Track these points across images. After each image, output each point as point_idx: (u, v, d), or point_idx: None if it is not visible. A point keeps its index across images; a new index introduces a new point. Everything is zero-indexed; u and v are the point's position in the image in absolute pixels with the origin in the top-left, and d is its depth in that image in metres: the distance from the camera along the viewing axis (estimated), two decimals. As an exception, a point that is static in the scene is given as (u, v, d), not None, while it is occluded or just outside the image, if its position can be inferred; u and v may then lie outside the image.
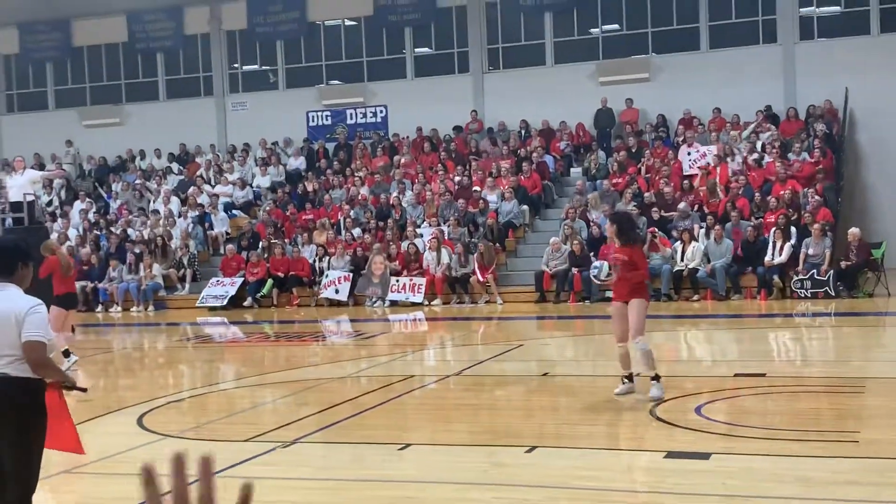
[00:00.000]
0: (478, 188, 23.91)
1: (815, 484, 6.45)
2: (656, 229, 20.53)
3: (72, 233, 26.14)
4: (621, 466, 7.14)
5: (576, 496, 6.32)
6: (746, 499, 6.19)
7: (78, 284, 23.63)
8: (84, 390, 5.54)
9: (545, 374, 11.64)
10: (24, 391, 5.18)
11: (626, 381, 9.69)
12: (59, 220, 26.98)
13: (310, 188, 26.07)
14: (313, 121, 29.52)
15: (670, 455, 7.34)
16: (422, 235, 22.56)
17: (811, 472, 6.74)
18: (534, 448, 7.72)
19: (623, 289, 9.61)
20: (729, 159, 23.16)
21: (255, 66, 30.87)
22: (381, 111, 28.99)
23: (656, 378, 9.43)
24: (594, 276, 10.27)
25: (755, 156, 22.97)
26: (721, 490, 6.39)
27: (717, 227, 20.05)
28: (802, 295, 18.87)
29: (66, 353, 13.43)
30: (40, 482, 7.54)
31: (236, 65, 30.84)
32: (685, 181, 22.54)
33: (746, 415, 9.12)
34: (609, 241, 10.11)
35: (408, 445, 8.05)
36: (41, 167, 30.31)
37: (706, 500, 6.20)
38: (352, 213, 24.15)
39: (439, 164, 25.61)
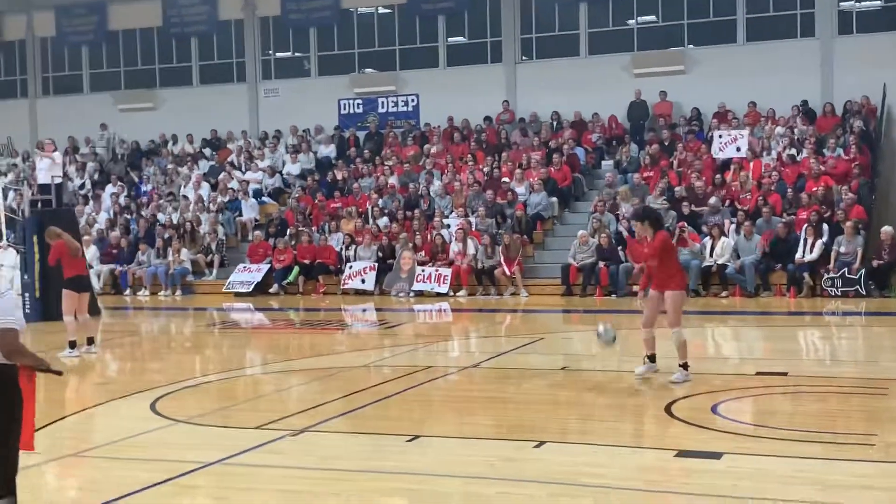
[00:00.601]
0: (507, 179, 23.76)
1: (828, 487, 6.28)
2: (685, 224, 20.40)
3: (102, 216, 26.32)
4: (630, 464, 7.00)
5: (579, 493, 6.20)
6: (756, 500, 6.05)
7: (106, 268, 23.94)
8: (59, 373, 5.45)
9: (564, 369, 11.50)
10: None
11: (647, 360, 10.30)
12: (91, 203, 27.15)
13: (339, 176, 26.04)
14: (345, 108, 29.49)
15: (681, 454, 7.20)
16: (449, 226, 22.46)
17: (825, 475, 6.57)
18: (543, 443, 7.60)
19: (658, 278, 10.25)
20: (764, 153, 22.84)
21: (288, 53, 30.89)
22: (413, 100, 28.89)
23: (684, 366, 10.06)
24: (598, 335, 10.57)
25: (791, 151, 22.63)
26: (731, 492, 6.24)
27: (747, 222, 19.76)
28: (833, 293, 18.58)
29: (90, 341, 13.48)
30: (45, 464, 7.57)
31: (269, 51, 30.87)
32: (717, 175, 22.25)
33: (763, 414, 8.95)
34: (639, 237, 10.31)
35: (416, 437, 7.96)
36: (75, 150, 30.60)
37: (714, 500, 6.06)
38: (380, 202, 24.09)
39: (469, 155, 25.49)
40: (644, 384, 10.00)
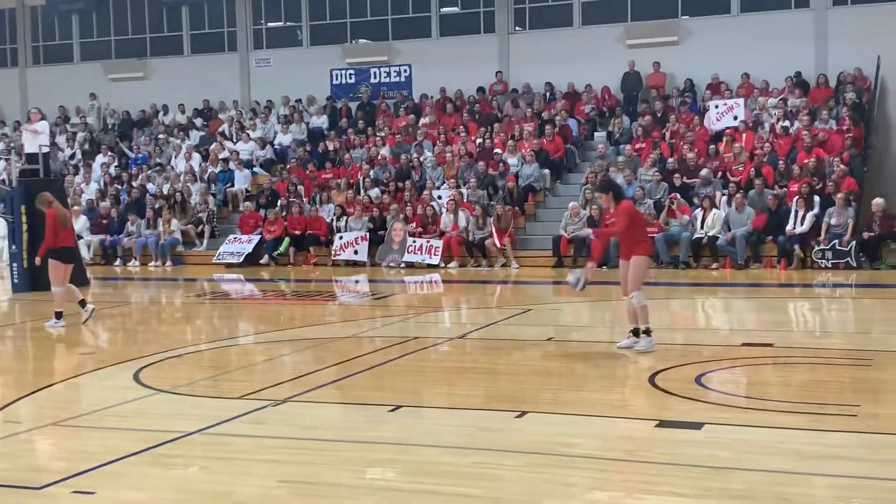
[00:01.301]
0: (499, 150, 23.67)
1: (805, 457, 6.27)
2: (677, 195, 20.35)
3: (92, 186, 26.22)
4: (609, 434, 6.99)
5: (556, 462, 6.17)
6: (733, 471, 6.02)
7: (96, 238, 23.87)
8: None
9: (550, 339, 11.49)
10: None
11: (631, 335, 10.28)
12: (81, 173, 27.03)
13: (331, 147, 25.93)
14: (337, 79, 29.34)
15: (662, 424, 7.19)
16: (440, 197, 22.39)
17: (803, 445, 6.56)
18: (524, 413, 7.59)
19: (623, 247, 10.33)
20: (758, 126, 22.74)
21: (280, 23, 30.67)
22: (406, 70, 28.73)
23: (647, 332, 10.12)
24: (571, 286, 10.46)
25: (784, 123, 22.54)
26: (709, 461, 6.23)
27: (738, 194, 19.71)
28: (823, 265, 18.57)
29: (83, 303, 13.44)
30: (26, 433, 7.55)
31: (261, 21, 30.65)
32: (711, 146, 22.18)
33: (747, 385, 8.95)
34: (605, 211, 10.36)
35: (399, 407, 7.94)
36: (65, 120, 30.44)
37: (693, 470, 6.04)
38: (371, 173, 24.00)
39: (461, 126, 25.38)
40: (631, 355, 9.97)
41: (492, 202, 21.85)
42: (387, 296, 17.20)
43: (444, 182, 23.18)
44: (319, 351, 11.03)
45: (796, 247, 18.86)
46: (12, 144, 28.00)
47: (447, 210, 21.65)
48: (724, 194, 20.34)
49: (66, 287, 13.32)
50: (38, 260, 13.70)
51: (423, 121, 26.28)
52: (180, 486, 5.97)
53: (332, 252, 21.99)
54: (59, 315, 13.07)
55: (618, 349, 10.22)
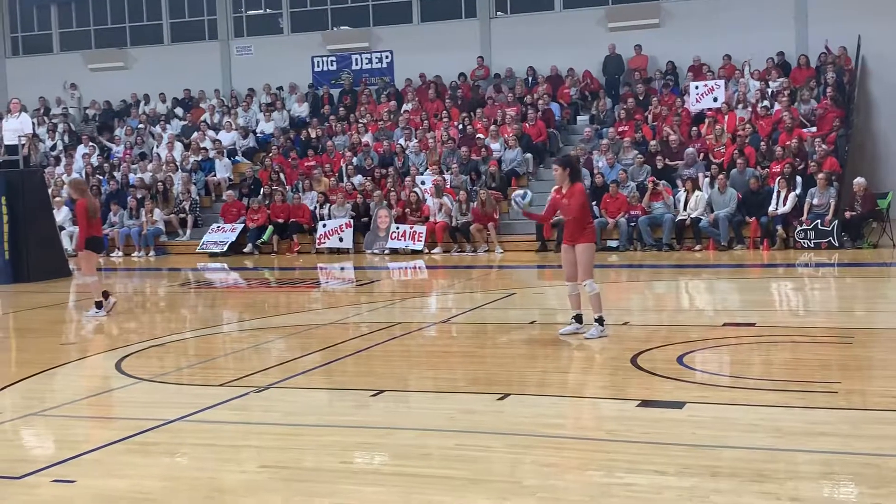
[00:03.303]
0: (481, 135, 23.64)
1: (786, 434, 6.29)
2: (655, 178, 20.38)
3: (73, 177, 26.04)
4: (591, 414, 7.01)
5: (537, 443, 6.18)
6: (715, 448, 6.04)
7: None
8: None
9: (532, 323, 11.49)
10: None
11: (573, 320, 10.15)
12: (62, 163, 26.88)
13: (313, 134, 25.85)
14: (318, 66, 29.25)
15: (644, 404, 7.20)
16: (424, 183, 22.37)
17: (784, 422, 6.58)
18: (506, 396, 7.59)
19: (568, 231, 10.11)
20: (740, 106, 22.77)
21: (260, 10, 30.53)
22: (387, 56, 28.66)
23: (599, 321, 9.93)
24: (516, 203, 10.39)
25: (765, 103, 22.58)
26: (690, 440, 6.25)
27: (721, 176, 19.75)
28: (806, 245, 18.66)
29: (106, 295, 13.34)
30: (7, 423, 7.51)
31: (241, 8, 30.50)
32: (693, 128, 22.21)
33: (728, 364, 8.98)
34: (558, 185, 10.09)
35: (381, 392, 7.94)
36: (46, 111, 30.24)
37: (672, 448, 6.06)
38: (354, 160, 23.94)
39: (444, 111, 25.33)
40: (613, 337, 9.98)
41: (475, 187, 21.83)
42: (371, 282, 17.19)
43: (426, 168, 23.14)
44: (304, 338, 11.01)
45: (779, 227, 18.92)
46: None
47: (431, 196, 21.63)
48: (706, 176, 20.38)
49: (83, 279, 13.28)
50: (81, 253, 13.50)
51: (405, 107, 26.22)
52: (162, 474, 5.95)
53: (317, 240, 21.95)
54: (98, 304, 12.97)
55: (560, 336, 10.05)
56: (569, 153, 14.96)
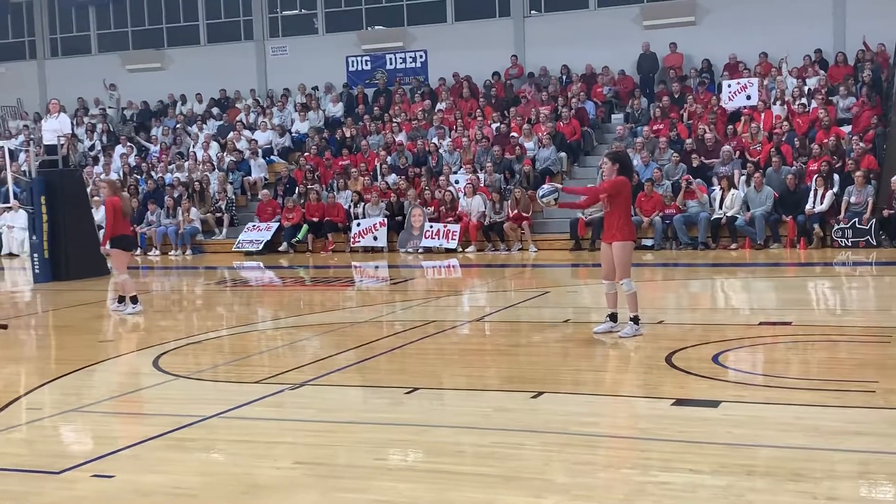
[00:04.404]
0: (515, 134, 23.62)
1: (822, 434, 6.24)
2: (690, 177, 20.26)
3: (112, 177, 26.32)
4: (625, 413, 6.99)
5: (570, 441, 6.18)
6: (750, 447, 6.01)
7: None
8: (4, 327, 5.34)
9: (566, 321, 11.47)
10: None
11: (608, 319, 10.11)
12: (101, 163, 27.18)
13: (347, 134, 25.95)
14: (353, 66, 29.35)
15: (679, 402, 7.17)
16: (457, 182, 22.40)
17: (820, 421, 6.53)
18: (541, 394, 7.59)
19: (607, 228, 10.05)
20: (777, 104, 22.58)
21: (295, 11, 30.69)
22: (421, 56, 28.71)
23: (634, 320, 9.89)
24: (540, 198, 10.33)
25: (802, 101, 22.38)
26: (725, 438, 6.22)
27: (756, 174, 19.60)
28: (843, 244, 18.48)
29: (134, 300, 13.49)
30: (47, 419, 7.62)
31: (276, 9, 30.68)
32: (728, 126, 22.07)
33: (764, 364, 8.92)
34: (604, 178, 10.01)
35: (415, 389, 7.96)
36: (85, 111, 30.59)
37: (708, 447, 6.03)
38: (388, 159, 24.01)
39: (478, 110, 25.34)
40: (648, 336, 9.94)
41: (509, 186, 21.83)
42: (405, 280, 17.23)
43: (460, 167, 23.16)
44: (338, 335, 11.07)
45: (816, 226, 18.75)
46: (32, 136, 28.17)
47: (465, 194, 21.65)
48: (742, 174, 20.24)
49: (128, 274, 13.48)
50: (105, 249, 13.75)
51: (439, 106, 26.27)
52: (199, 469, 6.01)
53: (352, 239, 22.04)
54: (134, 299, 13.12)
55: (594, 334, 10.02)
56: (621, 149, 14.75)
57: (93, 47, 32.77)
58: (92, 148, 28.83)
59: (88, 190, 21.46)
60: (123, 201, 13.59)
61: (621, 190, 9.86)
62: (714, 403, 7.06)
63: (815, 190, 19.02)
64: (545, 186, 10.42)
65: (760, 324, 10.75)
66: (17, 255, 23.94)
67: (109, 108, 31.13)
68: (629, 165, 10.40)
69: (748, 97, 22.51)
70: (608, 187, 9.91)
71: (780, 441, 6.09)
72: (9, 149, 20.94)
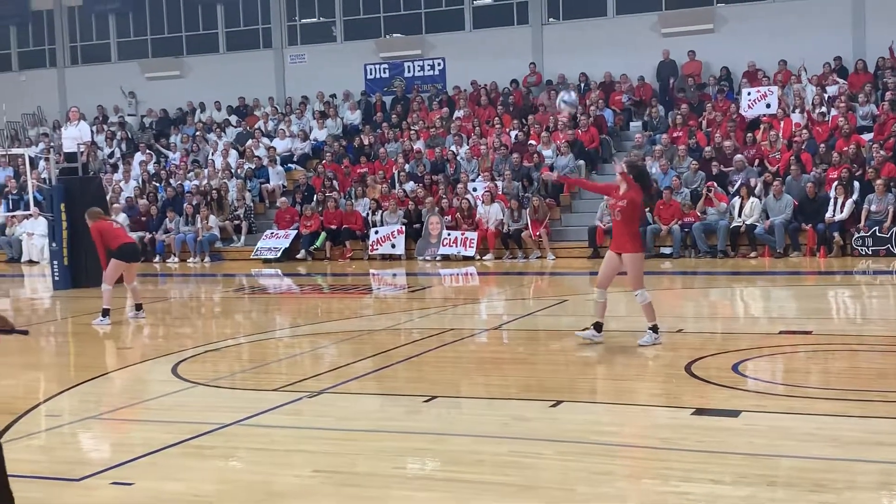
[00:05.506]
0: (533, 142, 23.60)
1: (844, 444, 6.19)
2: (714, 184, 20.19)
3: (131, 184, 26.50)
4: (644, 422, 6.95)
5: (589, 451, 6.15)
6: (771, 458, 5.97)
7: (136, 235, 24.08)
8: (25, 332, 5.34)
9: (585, 329, 11.41)
10: None
11: (591, 327, 10.07)
12: (120, 170, 27.32)
13: (365, 141, 26.00)
14: (371, 73, 29.41)
15: (699, 412, 7.13)
16: (475, 190, 22.40)
17: (842, 431, 6.48)
18: (559, 403, 7.57)
19: (615, 237, 10.08)
20: (797, 112, 22.48)
21: (314, 19, 30.78)
22: (439, 64, 28.74)
23: (653, 329, 9.87)
24: (559, 102, 10.32)
25: (821, 109, 22.27)
26: (746, 448, 6.17)
27: (776, 182, 19.51)
28: (863, 253, 18.36)
29: (138, 307, 13.57)
30: (66, 426, 7.64)
31: (295, 17, 30.79)
32: (748, 134, 21.99)
33: (784, 373, 8.87)
34: (618, 186, 9.93)
35: (434, 398, 7.94)
36: (104, 119, 30.77)
37: (729, 458, 5.99)
38: (406, 166, 24.04)
39: (496, 118, 25.34)
40: (667, 344, 9.90)
41: (527, 194, 21.81)
42: (423, 288, 17.23)
43: (478, 175, 23.17)
44: (356, 343, 11.07)
45: (836, 234, 18.64)
46: (52, 144, 28.35)
47: (482, 202, 21.64)
48: (760, 182, 20.14)
49: (132, 286, 13.51)
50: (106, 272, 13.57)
51: (457, 113, 26.29)
52: (218, 477, 6.01)
53: (369, 246, 22.06)
54: (105, 312, 13.13)
55: (576, 335, 10.11)
56: (643, 164, 14.79)
57: (112, 55, 32.96)
58: (111, 155, 28.98)
59: (108, 197, 21.56)
60: (107, 219, 13.71)
61: (636, 202, 9.86)
62: (734, 413, 7.01)
63: (835, 198, 18.92)
64: (568, 98, 10.29)
65: (780, 333, 10.68)
66: (37, 263, 24.07)
67: (129, 115, 31.31)
68: (646, 178, 10.37)
69: (768, 105, 22.43)
70: (628, 201, 9.78)
71: (801, 451, 6.05)
72: (29, 156, 21.05)
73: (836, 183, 19.11)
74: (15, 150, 25.65)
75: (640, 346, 9.77)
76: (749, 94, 22.89)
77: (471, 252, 20.98)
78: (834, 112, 21.87)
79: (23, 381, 9.58)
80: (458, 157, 23.97)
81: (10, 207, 25.42)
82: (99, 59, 32.96)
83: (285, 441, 6.83)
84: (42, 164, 25.88)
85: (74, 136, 18.57)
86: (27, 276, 22.45)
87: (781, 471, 5.69)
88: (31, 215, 23.10)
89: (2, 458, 4.79)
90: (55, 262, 18.26)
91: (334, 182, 24.19)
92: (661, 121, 24.13)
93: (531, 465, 5.96)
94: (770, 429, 6.65)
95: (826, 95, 22.85)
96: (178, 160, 27.66)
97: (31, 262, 24.48)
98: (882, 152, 19.72)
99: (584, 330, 10.22)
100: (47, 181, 21.08)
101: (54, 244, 18.34)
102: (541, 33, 27.81)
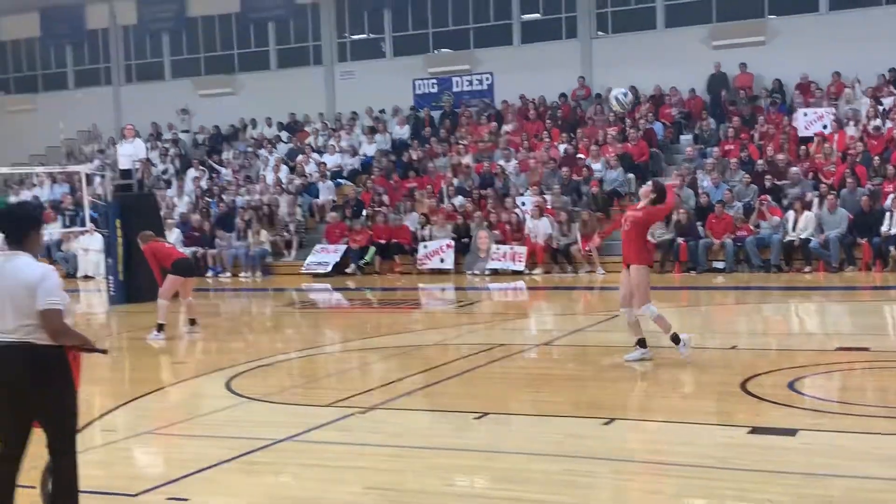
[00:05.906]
0: (582, 156, 23.52)
1: (904, 464, 6.08)
2: (768, 197, 19.96)
3: (184, 200, 26.81)
4: (700, 441, 6.87)
5: (643, 470, 6.10)
6: (829, 477, 5.88)
7: (188, 250, 24.35)
8: (104, 352, 5.46)
9: (636, 346, 11.32)
10: (49, 358, 5.12)
11: (637, 346, 9.97)
12: (174, 186, 27.68)
13: (414, 156, 26.08)
14: (419, 89, 29.51)
15: (755, 430, 7.04)
16: (524, 204, 22.35)
17: (901, 451, 6.37)
18: (612, 420, 7.51)
19: (625, 252, 10.06)
20: (852, 123, 22.19)
21: (363, 35, 30.98)
22: (487, 78, 28.77)
23: (675, 339, 9.70)
24: (614, 96, 10.36)
25: (876, 122, 21.95)
26: (804, 468, 6.09)
27: (830, 195, 19.24)
28: (920, 267, 18.01)
29: (192, 322, 13.73)
30: (122, 441, 7.74)
31: (345, 34, 31.03)
32: (801, 147, 21.73)
33: (841, 390, 8.73)
34: (640, 201, 9.93)
35: (485, 414, 7.93)
36: (158, 136, 31.22)
37: (786, 477, 5.91)
38: (455, 181, 24.07)
39: (544, 132, 25.30)
40: (721, 361, 9.79)
41: (576, 208, 21.72)
42: (472, 303, 17.21)
43: (527, 189, 23.13)
44: (406, 358, 11.08)
45: (892, 248, 18.32)
46: (107, 161, 28.80)
47: (531, 216, 21.59)
48: (815, 195, 19.88)
49: (187, 301, 13.68)
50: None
51: (505, 128, 26.29)
52: (270, 493, 6.05)
53: (419, 260, 22.10)
54: (160, 328, 13.28)
55: (625, 362, 9.92)
56: (665, 182, 14.72)
57: (166, 73, 33.44)
58: (165, 172, 29.35)
59: (161, 213, 21.83)
60: (158, 240, 13.95)
61: (649, 221, 10.00)
62: (792, 432, 6.92)
63: (891, 211, 18.61)
64: (622, 97, 10.33)
65: (837, 349, 10.52)
66: (93, 278, 24.44)
67: (182, 132, 31.73)
68: (664, 192, 10.17)
69: (824, 126, 22.18)
70: (640, 218, 9.84)
71: (858, 471, 5.95)
72: (85, 173, 21.41)
73: (891, 196, 18.81)
74: (71, 168, 26.06)
75: (626, 362, 9.79)
76: (805, 114, 22.63)
77: (520, 266, 20.92)
78: (889, 124, 21.54)
79: (80, 395, 9.69)
80: (507, 172, 23.96)
81: (67, 224, 25.84)
82: (153, 76, 33.45)
83: (337, 457, 6.85)
84: (98, 180, 26.29)
85: (129, 153, 18.85)
86: (83, 291, 22.78)
87: (837, 490, 5.60)
88: (86, 231, 23.46)
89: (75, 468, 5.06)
90: (110, 278, 18.52)
91: (383, 197, 24.28)
92: (712, 134, 23.93)
93: (584, 483, 5.92)
94: (828, 447, 6.56)
95: (881, 108, 22.52)
96: (230, 176, 27.96)
97: (86, 277, 24.86)
98: (939, 165, 19.36)
99: (631, 352, 10.09)
100: (103, 198, 21.40)
101: (110, 260, 18.61)
102: (590, 47, 27.73)
